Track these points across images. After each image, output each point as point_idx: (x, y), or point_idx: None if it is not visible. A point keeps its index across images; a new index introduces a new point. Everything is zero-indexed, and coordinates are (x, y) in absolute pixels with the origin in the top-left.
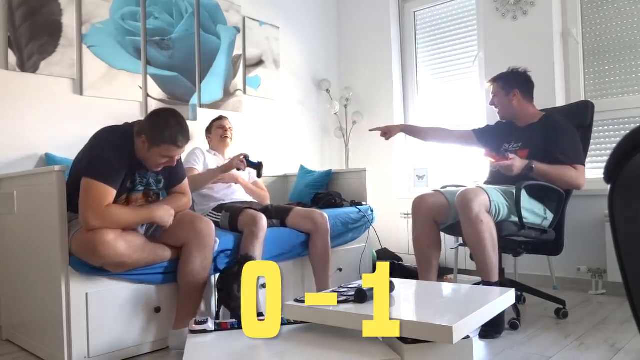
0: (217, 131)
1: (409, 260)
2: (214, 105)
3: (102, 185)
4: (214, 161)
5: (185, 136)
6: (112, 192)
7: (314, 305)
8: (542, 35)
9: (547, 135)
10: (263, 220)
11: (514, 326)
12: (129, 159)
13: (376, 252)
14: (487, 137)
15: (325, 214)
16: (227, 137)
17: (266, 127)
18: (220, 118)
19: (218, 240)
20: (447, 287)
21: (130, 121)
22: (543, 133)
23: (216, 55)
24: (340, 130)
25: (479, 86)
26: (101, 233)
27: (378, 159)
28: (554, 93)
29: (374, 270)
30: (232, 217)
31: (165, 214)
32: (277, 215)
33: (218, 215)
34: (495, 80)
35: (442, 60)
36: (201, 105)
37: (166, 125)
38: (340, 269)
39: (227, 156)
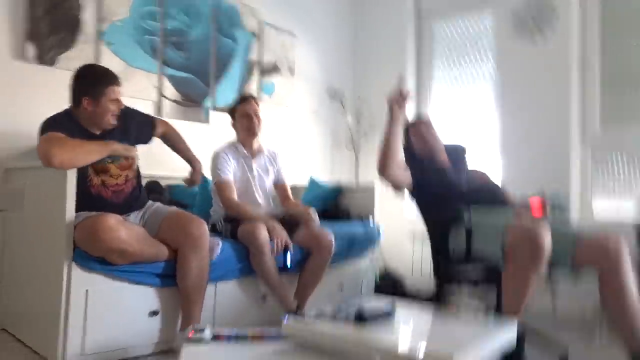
0: (241, 121)
1: (412, 282)
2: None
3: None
4: (242, 166)
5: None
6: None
7: (312, 324)
8: (560, 61)
9: None
10: (262, 234)
11: None
12: (80, 136)
13: (379, 271)
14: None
15: (333, 237)
16: (252, 127)
17: (277, 135)
18: (244, 100)
19: (220, 244)
20: (449, 315)
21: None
22: None
23: (232, 59)
24: (351, 142)
25: (493, 107)
26: (104, 218)
27: None
28: (568, 120)
29: (376, 290)
30: (232, 227)
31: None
32: (286, 228)
33: (226, 225)
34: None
35: (457, 77)
36: (215, 109)
37: (96, 72)
38: (342, 286)
39: (255, 149)
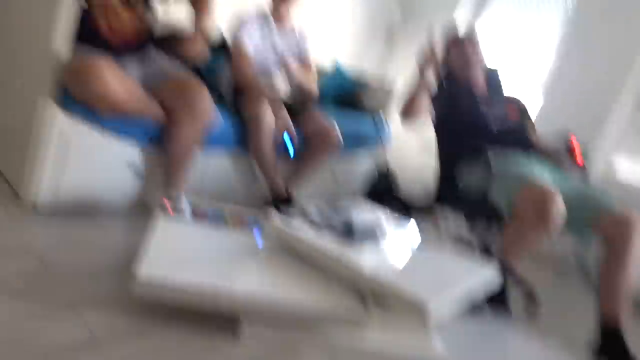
0: None
1: (408, 187)
2: None
3: None
4: (266, 41)
5: None
6: None
7: (294, 231)
8: None
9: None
10: (267, 114)
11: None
12: None
13: (378, 169)
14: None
15: (340, 135)
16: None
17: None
18: None
19: (220, 121)
20: (434, 244)
21: None
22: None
23: None
24: (390, 31)
25: (554, 42)
26: (94, 62)
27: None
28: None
29: (371, 186)
30: (238, 100)
31: None
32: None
33: (232, 96)
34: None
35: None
36: None
37: None
38: (337, 177)
39: (286, 21)
